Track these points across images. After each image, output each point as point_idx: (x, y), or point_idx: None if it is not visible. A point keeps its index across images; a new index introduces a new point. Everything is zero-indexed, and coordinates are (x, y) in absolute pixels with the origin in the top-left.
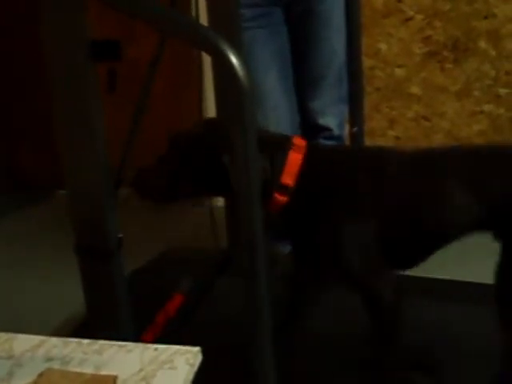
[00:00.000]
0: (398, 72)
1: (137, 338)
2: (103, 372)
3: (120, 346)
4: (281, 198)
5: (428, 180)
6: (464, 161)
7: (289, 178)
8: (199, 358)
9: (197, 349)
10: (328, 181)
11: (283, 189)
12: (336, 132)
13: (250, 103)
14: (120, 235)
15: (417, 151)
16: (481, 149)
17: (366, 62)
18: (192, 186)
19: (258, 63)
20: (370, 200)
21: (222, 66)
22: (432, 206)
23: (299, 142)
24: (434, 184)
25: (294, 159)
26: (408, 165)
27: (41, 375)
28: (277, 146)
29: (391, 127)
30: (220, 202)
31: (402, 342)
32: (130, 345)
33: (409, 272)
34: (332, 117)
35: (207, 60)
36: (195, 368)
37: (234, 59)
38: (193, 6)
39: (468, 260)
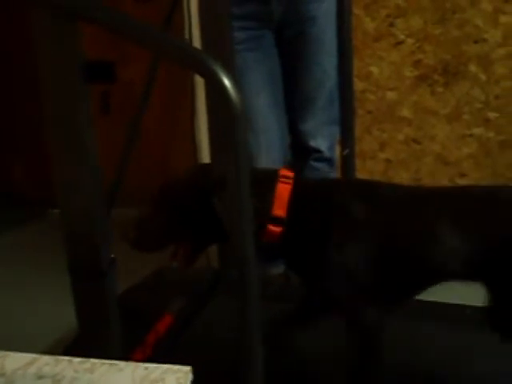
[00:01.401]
0: (390, 95)
1: (127, 357)
2: None
3: (111, 365)
4: (275, 229)
5: (418, 217)
6: (457, 203)
7: (280, 209)
8: (190, 377)
9: (187, 368)
10: (317, 210)
11: (276, 220)
12: (327, 154)
13: (242, 126)
14: (112, 255)
15: (407, 187)
16: (475, 192)
17: (358, 85)
18: (187, 235)
19: (249, 86)
20: (358, 230)
21: (214, 89)
22: (421, 244)
23: (286, 173)
24: (425, 221)
25: (283, 190)
26: (396, 199)
27: None
28: (264, 180)
29: (382, 149)
30: None
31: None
32: (121, 363)
33: None
34: (323, 139)
35: (200, 82)
36: None
37: (226, 82)
38: (186, 28)
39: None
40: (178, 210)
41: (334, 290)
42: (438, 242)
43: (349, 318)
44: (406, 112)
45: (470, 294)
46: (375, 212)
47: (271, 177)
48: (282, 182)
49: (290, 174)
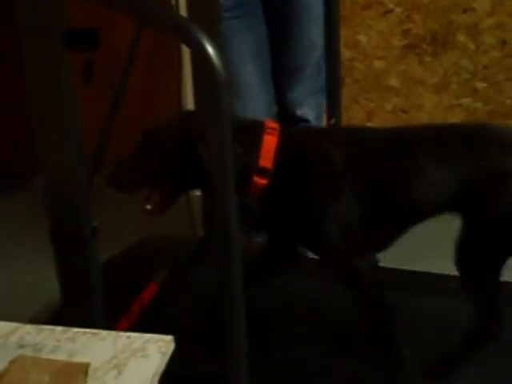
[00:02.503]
0: (377, 64)
1: (111, 326)
2: (76, 359)
3: (93, 334)
4: (261, 181)
5: (401, 157)
6: (437, 139)
7: (267, 161)
8: (172, 346)
9: (169, 337)
10: (305, 161)
11: (262, 172)
12: (313, 123)
13: (226, 94)
14: (95, 224)
15: (390, 129)
16: (453, 128)
17: (346, 54)
18: (168, 179)
19: (236, 54)
20: (346, 177)
21: (198, 57)
22: (406, 182)
23: (272, 124)
24: (408, 161)
25: (270, 142)
26: (382, 142)
27: (13, 362)
28: (251, 131)
29: (369, 119)
30: (197, 190)
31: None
32: (102, 333)
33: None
34: (309, 108)
35: (187, 50)
36: (167, 356)
37: (210, 50)
38: None
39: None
40: (160, 154)
41: (330, 240)
42: (421, 177)
43: (344, 265)
44: (393, 81)
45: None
46: (360, 157)
47: (258, 128)
48: (269, 134)
49: (276, 125)
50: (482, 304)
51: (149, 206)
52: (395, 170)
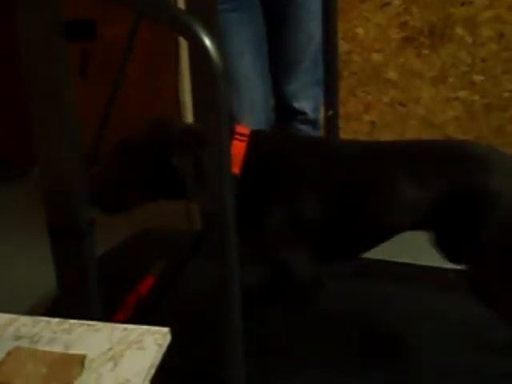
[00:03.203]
0: (375, 57)
1: (108, 318)
2: (72, 351)
3: (89, 326)
4: None
5: (372, 171)
6: (412, 156)
7: (234, 168)
8: (168, 338)
9: (166, 329)
10: (268, 167)
11: None
12: (310, 116)
13: (223, 86)
14: (92, 216)
15: (364, 142)
16: (428, 144)
17: (343, 47)
18: (142, 192)
19: (233, 47)
20: (311, 186)
21: (195, 49)
22: (375, 196)
23: (242, 130)
24: (379, 175)
25: (238, 148)
26: (353, 154)
27: (9, 353)
28: None
29: (367, 112)
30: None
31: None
32: (99, 324)
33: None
34: (306, 101)
35: (184, 43)
36: (164, 348)
37: (207, 42)
38: None
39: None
40: (133, 165)
41: (266, 227)
42: (395, 194)
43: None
44: (391, 74)
45: None
46: (326, 169)
47: None
48: (237, 140)
49: (246, 130)
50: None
51: (112, 209)
52: (364, 183)
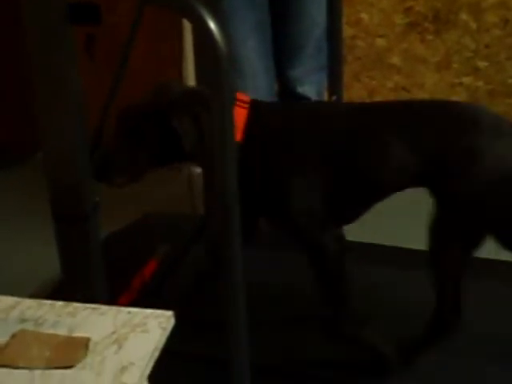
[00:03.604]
0: (379, 42)
1: (112, 301)
2: (76, 334)
3: (93, 309)
4: None
5: (368, 132)
6: (402, 115)
7: (237, 134)
8: (172, 321)
9: (169, 313)
10: (270, 134)
11: None
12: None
13: (227, 69)
14: (96, 199)
15: (359, 104)
16: (419, 103)
17: (347, 31)
18: (147, 160)
19: (237, 31)
20: (314, 153)
21: (199, 32)
22: (372, 157)
23: (243, 97)
24: (374, 136)
25: (239, 114)
26: (348, 117)
27: (14, 336)
28: None
29: (371, 97)
30: (198, 168)
31: (350, 297)
32: (103, 308)
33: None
34: (310, 85)
35: (188, 26)
36: (167, 332)
37: (212, 25)
38: None
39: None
40: (136, 133)
41: (294, 214)
42: (385, 153)
43: (308, 240)
44: (395, 59)
45: None
46: (325, 133)
47: None
48: (239, 106)
49: (247, 98)
50: (445, 289)
51: (118, 180)
52: (361, 145)
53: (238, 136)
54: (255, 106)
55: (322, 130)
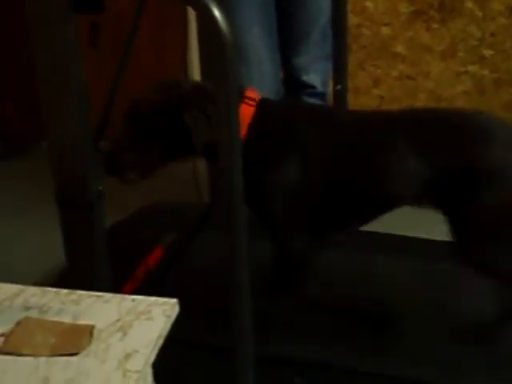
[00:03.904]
0: (384, 30)
1: (117, 289)
2: (80, 322)
3: (98, 297)
4: None
5: (376, 141)
6: (413, 126)
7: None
8: (176, 309)
9: (174, 301)
10: (272, 133)
11: None
12: (320, 89)
13: (232, 57)
14: (100, 187)
15: (367, 112)
16: (432, 114)
17: (353, 20)
18: (159, 156)
19: (243, 19)
20: (315, 156)
21: (204, 20)
22: (376, 166)
23: (252, 94)
24: (383, 145)
25: (246, 112)
26: (357, 124)
27: (18, 323)
28: None
29: (376, 86)
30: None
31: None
32: (107, 295)
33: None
34: (316, 74)
35: (192, 14)
36: (172, 319)
37: (216, 13)
38: None
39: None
40: (147, 131)
41: (272, 210)
42: (394, 165)
43: (281, 240)
44: (400, 48)
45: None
46: (329, 137)
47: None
48: (246, 104)
49: (256, 95)
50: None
51: (131, 175)
52: (368, 154)
53: (242, 132)
54: (263, 105)
55: (324, 138)
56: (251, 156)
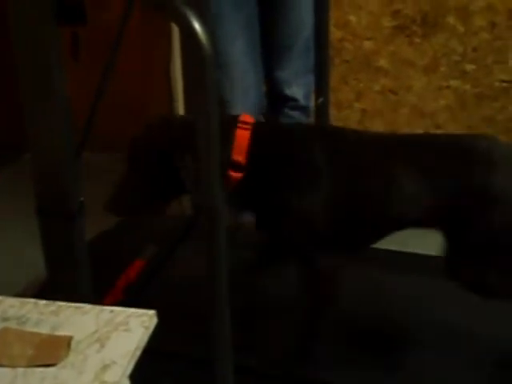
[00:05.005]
0: (367, 45)
1: (97, 301)
2: (59, 333)
3: (76, 308)
4: (235, 175)
5: (380, 164)
6: (414, 150)
7: (239, 155)
8: (154, 321)
9: (152, 312)
10: (279, 156)
11: (236, 166)
12: (302, 102)
13: (211, 70)
14: (81, 199)
15: (368, 133)
16: (432, 138)
17: (335, 34)
18: (152, 195)
19: (226, 32)
20: (318, 177)
21: (183, 33)
22: (382, 191)
23: (246, 118)
24: (384, 168)
25: (242, 136)
26: (359, 147)
27: None
28: (224, 127)
29: (358, 99)
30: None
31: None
32: (86, 306)
33: None
34: (298, 87)
35: (176, 28)
36: (150, 331)
37: (196, 25)
38: None
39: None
40: (140, 170)
41: (293, 237)
42: (398, 189)
43: (306, 265)
44: (382, 62)
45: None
46: (335, 159)
47: (230, 123)
48: (241, 128)
49: (250, 119)
50: None
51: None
52: (369, 177)
53: (242, 157)
54: (258, 127)
55: (328, 157)
56: (255, 178)
